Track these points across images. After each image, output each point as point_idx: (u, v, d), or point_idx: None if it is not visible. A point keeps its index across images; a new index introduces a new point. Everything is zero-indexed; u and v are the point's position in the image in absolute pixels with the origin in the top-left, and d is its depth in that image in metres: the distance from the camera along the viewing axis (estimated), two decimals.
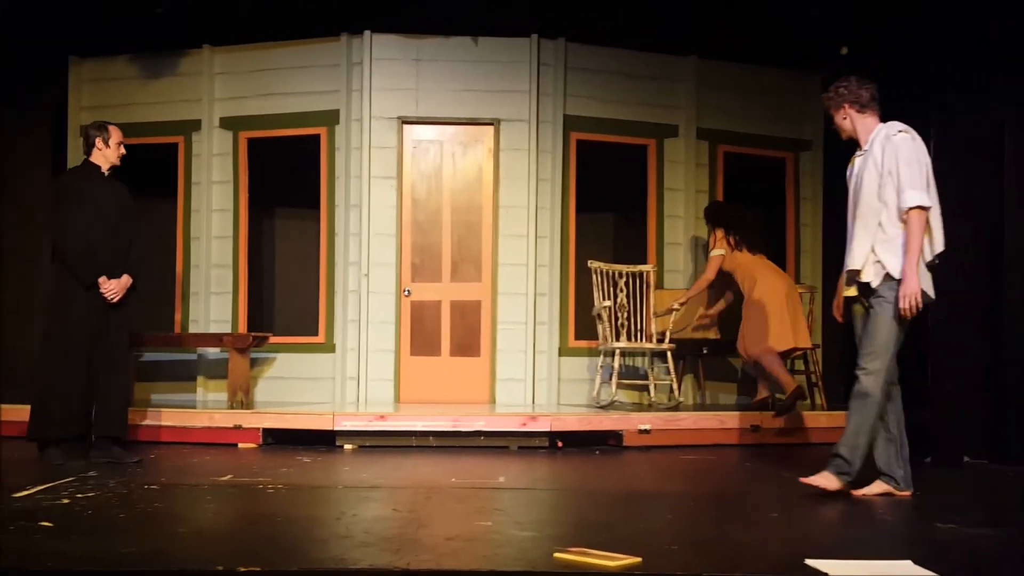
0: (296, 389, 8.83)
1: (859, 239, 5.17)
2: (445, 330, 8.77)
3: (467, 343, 8.79)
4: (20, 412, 7.36)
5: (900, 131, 5.14)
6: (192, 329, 9.08)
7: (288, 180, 9.43)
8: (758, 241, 8.38)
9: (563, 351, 8.84)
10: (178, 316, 9.21)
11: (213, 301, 9.11)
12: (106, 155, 6.35)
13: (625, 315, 8.39)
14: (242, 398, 7.95)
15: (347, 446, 7.25)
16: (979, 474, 6.25)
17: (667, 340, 8.29)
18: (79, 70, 9.37)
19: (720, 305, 8.68)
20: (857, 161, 5.30)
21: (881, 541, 4.19)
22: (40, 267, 8.71)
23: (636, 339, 8.39)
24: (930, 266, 5.15)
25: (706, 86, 9.30)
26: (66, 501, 4.80)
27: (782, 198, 9.63)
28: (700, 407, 8.64)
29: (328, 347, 8.81)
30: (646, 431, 7.38)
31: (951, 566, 3.59)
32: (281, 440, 7.44)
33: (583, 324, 8.85)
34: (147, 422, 7.43)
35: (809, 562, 3.56)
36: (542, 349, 8.75)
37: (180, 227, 9.23)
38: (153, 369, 9.07)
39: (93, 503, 4.77)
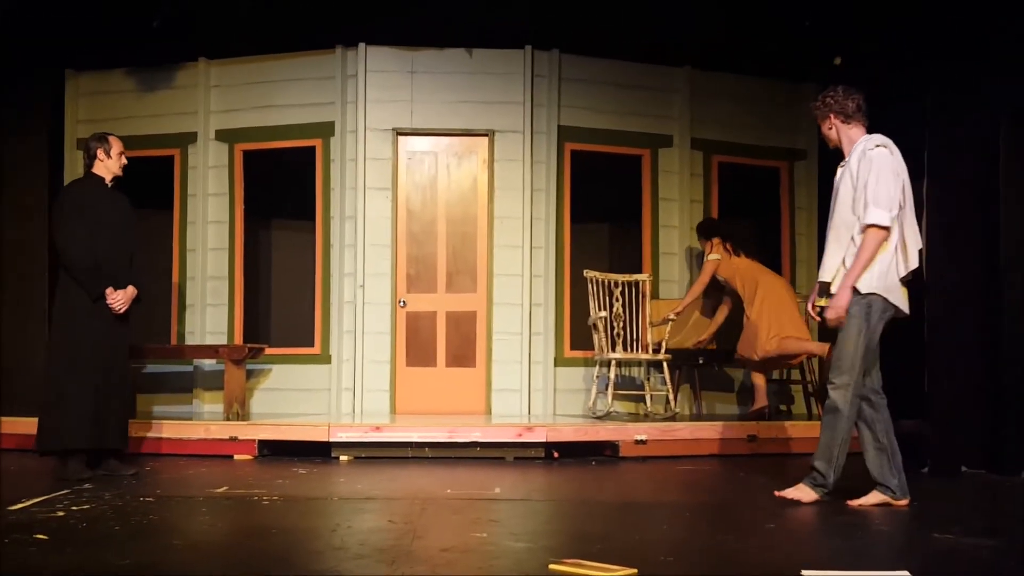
0: (292, 400, 8.82)
1: (831, 251, 5.23)
2: (441, 341, 8.77)
3: (463, 354, 8.79)
4: (15, 424, 7.40)
5: (877, 145, 5.16)
6: (188, 341, 9.08)
7: (284, 192, 9.44)
8: (753, 248, 8.44)
9: (559, 361, 8.85)
10: (174, 328, 9.20)
11: (209, 313, 9.10)
12: (108, 166, 6.36)
13: (621, 325, 8.40)
14: (238, 409, 7.94)
15: (343, 457, 7.25)
16: (977, 484, 6.25)
17: (663, 350, 8.29)
18: (75, 83, 9.37)
19: (719, 318, 8.67)
20: (839, 172, 5.33)
21: (878, 551, 4.19)
22: (37, 283, 8.72)
23: (632, 349, 8.39)
24: (904, 281, 5.17)
25: (700, 96, 9.33)
26: (61, 514, 4.80)
27: (777, 208, 9.64)
28: (696, 417, 8.64)
29: (324, 358, 8.81)
30: (642, 442, 7.38)
31: None
32: (277, 451, 7.43)
33: (579, 334, 8.86)
34: (144, 434, 7.41)
35: (805, 573, 3.56)
36: (538, 359, 8.75)
37: (176, 239, 9.24)
38: (150, 381, 9.06)
39: (88, 515, 4.76)
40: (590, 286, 8.36)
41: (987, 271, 6.63)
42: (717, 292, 8.62)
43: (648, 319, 8.46)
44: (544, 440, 7.26)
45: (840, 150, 5.37)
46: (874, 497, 5.19)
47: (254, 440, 7.38)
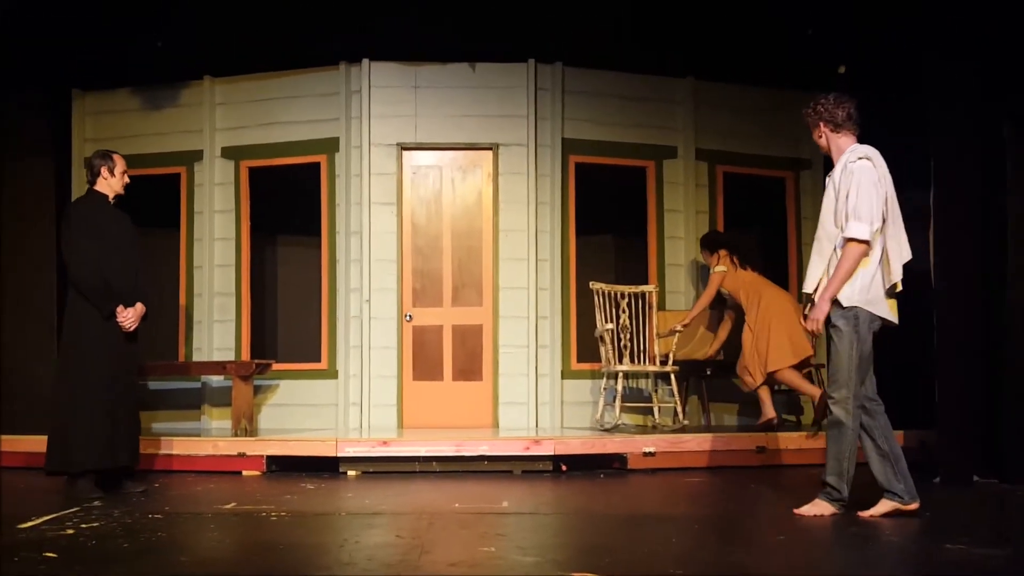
0: (299, 416, 8.82)
1: (814, 263, 5.26)
2: (447, 355, 8.77)
3: (469, 367, 8.78)
4: (24, 443, 7.40)
5: (860, 158, 5.16)
6: (196, 357, 9.09)
7: (289, 208, 9.46)
8: (758, 261, 8.44)
9: (566, 374, 8.83)
10: (182, 344, 9.22)
11: (216, 329, 9.12)
12: (111, 184, 6.37)
13: (628, 337, 8.39)
14: (246, 425, 7.95)
15: (351, 472, 7.24)
16: (988, 494, 6.21)
17: (670, 361, 8.28)
18: (82, 103, 9.42)
19: (724, 331, 8.67)
20: (827, 182, 5.33)
21: (889, 562, 4.17)
22: (46, 302, 8.74)
23: (639, 361, 8.38)
24: (889, 293, 5.17)
25: (704, 107, 9.33)
26: (71, 531, 4.80)
27: (783, 217, 9.63)
28: (705, 429, 8.61)
29: (331, 373, 8.81)
30: (651, 454, 7.36)
31: None
32: (285, 467, 7.43)
33: (585, 346, 8.85)
34: (152, 450, 7.41)
35: None
36: (545, 372, 8.74)
37: (183, 256, 9.26)
38: (158, 397, 9.07)
39: (97, 533, 4.76)
40: (596, 298, 8.36)
41: (996, 280, 6.61)
42: (721, 303, 8.61)
43: (655, 331, 8.45)
44: (552, 453, 7.25)
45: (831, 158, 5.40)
46: (884, 506, 5.17)
47: (262, 456, 7.38)
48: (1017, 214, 6.55)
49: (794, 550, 4.45)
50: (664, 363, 8.31)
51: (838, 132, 5.30)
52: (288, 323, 9.77)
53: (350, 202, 8.80)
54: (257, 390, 8.67)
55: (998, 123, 6.60)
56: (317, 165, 8.98)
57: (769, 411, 8.11)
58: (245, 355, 9.01)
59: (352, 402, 8.68)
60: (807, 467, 7.37)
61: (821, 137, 5.36)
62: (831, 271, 5.15)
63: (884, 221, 5.13)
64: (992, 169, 6.63)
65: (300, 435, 7.80)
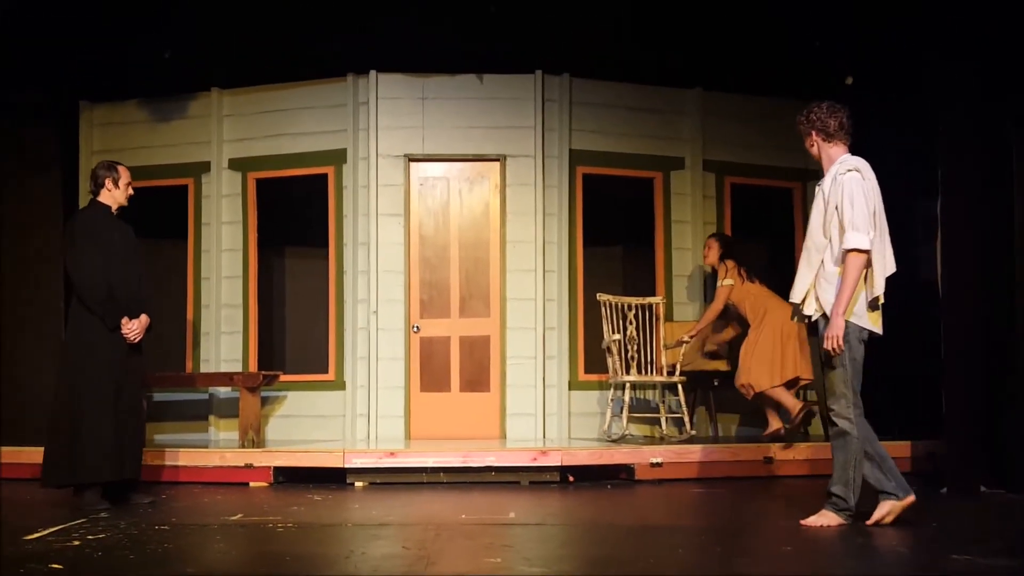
0: (307, 427, 8.83)
1: (802, 273, 5.27)
2: (454, 366, 8.77)
3: (477, 378, 8.78)
4: (32, 454, 7.40)
5: (850, 169, 5.16)
6: (203, 368, 9.10)
7: (297, 219, 9.48)
8: (764, 272, 8.43)
9: (573, 385, 8.82)
10: (189, 356, 9.23)
11: (224, 341, 9.13)
12: (115, 196, 6.37)
13: (635, 348, 8.38)
14: (253, 437, 7.95)
15: (358, 483, 7.24)
16: (995, 504, 6.19)
17: (678, 372, 8.27)
18: (89, 115, 9.46)
19: (728, 334, 8.66)
20: (816, 192, 5.33)
21: (895, 573, 4.15)
22: (53, 314, 8.77)
23: (647, 372, 8.37)
24: (872, 306, 5.16)
25: (711, 118, 9.34)
26: (77, 543, 4.80)
27: (791, 228, 9.61)
28: (712, 439, 8.60)
29: (338, 384, 8.82)
30: (658, 464, 7.35)
31: None
32: (292, 478, 7.43)
33: (593, 357, 8.84)
34: (159, 462, 7.43)
35: None
36: (552, 383, 8.74)
37: (191, 268, 9.28)
38: (165, 409, 9.09)
39: (104, 544, 4.76)
40: (603, 309, 8.35)
41: (1004, 289, 6.59)
42: (726, 313, 8.54)
43: (662, 341, 8.44)
44: (559, 464, 7.24)
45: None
46: (883, 508, 5.17)
47: (269, 467, 7.38)
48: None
49: (801, 561, 4.43)
50: (671, 374, 8.30)
51: (830, 142, 5.31)
52: (295, 334, 9.78)
53: (357, 213, 8.82)
54: (264, 401, 8.68)
55: (1007, 132, 6.58)
56: (324, 177, 9.00)
57: (776, 422, 8.09)
58: (252, 366, 9.02)
59: (359, 413, 8.68)
60: (814, 478, 7.34)
61: (813, 146, 5.37)
62: (820, 283, 5.16)
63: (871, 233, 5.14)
64: (1001, 179, 6.61)
65: (307, 446, 7.81)
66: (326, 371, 8.91)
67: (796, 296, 5.27)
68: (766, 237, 9.72)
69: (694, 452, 7.54)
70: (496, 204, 8.86)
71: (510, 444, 8.02)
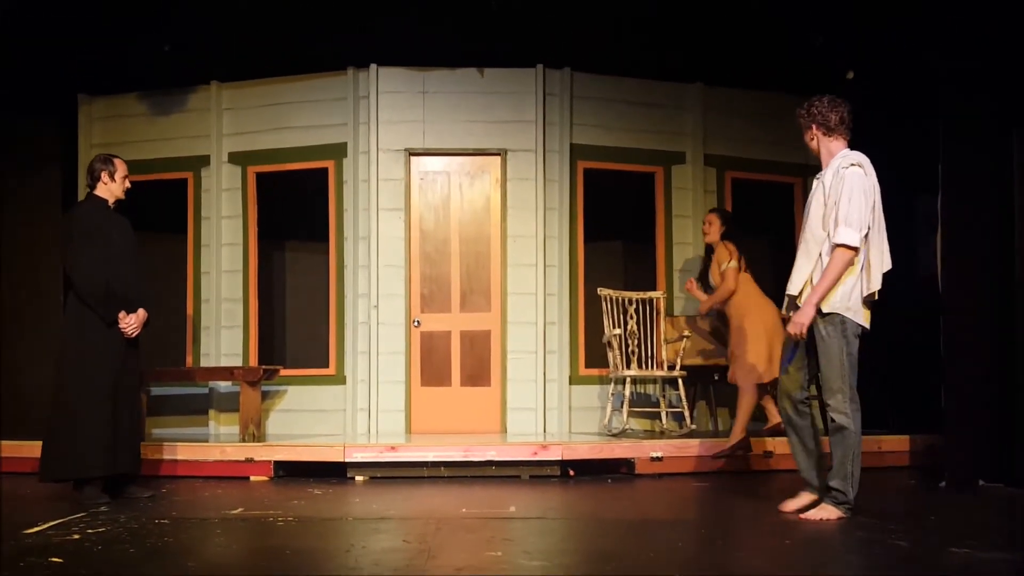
0: (307, 421, 8.83)
1: (800, 266, 5.25)
2: (455, 360, 8.78)
3: (477, 373, 8.79)
4: (33, 448, 7.41)
5: (852, 164, 5.17)
6: (204, 363, 9.11)
7: (297, 214, 9.48)
8: (766, 267, 8.40)
9: (574, 379, 8.83)
10: (190, 350, 9.24)
11: (224, 335, 9.14)
12: (111, 189, 6.33)
13: (636, 342, 8.38)
14: (254, 431, 7.96)
15: (358, 478, 7.24)
16: (994, 498, 6.19)
17: (678, 367, 8.27)
18: (89, 108, 9.46)
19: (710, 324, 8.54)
20: (814, 185, 5.33)
21: (894, 566, 4.15)
22: (53, 308, 8.78)
23: (647, 366, 8.37)
24: (867, 302, 5.18)
25: (712, 112, 9.33)
26: (77, 537, 4.80)
27: (791, 223, 9.61)
28: (713, 434, 8.60)
29: (339, 379, 8.82)
30: (658, 459, 7.35)
31: None
32: (293, 472, 7.44)
33: (593, 352, 8.84)
34: (160, 456, 7.44)
35: None
36: (552, 378, 8.74)
37: (190, 262, 9.28)
38: (166, 403, 9.09)
39: (104, 538, 4.77)
40: (604, 304, 8.35)
41: (1003, 285, 6.58)
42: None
43: (663, 336, 8.44)
44: (559, 458, 7.25)
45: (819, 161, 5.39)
46: (804, 499, 5.37)
47: (270, 461, 7.39)
48: None
49: (800, 554, 4.43)
50: (672, 368, 8.30)
51: (830, 136, 5.31)
52: (296, 329, 9.79)
53: (358, 208, 8.82)
54: (265, 396, 8.68)
55: (1007, 127, 6.58)
56: (325, 171, 9.00)
57: (776, 416, 8.05)
58: (253, 361, 9.03)
59: (360, 407, 8.69)
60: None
61: (813, 140, 5.37)
62: (816, 276, 5.18)
63: (869, 229, 5.14)
64: (1001, 174, 6.60)
65: (308, 440, 7.82)
66: (327, 365, 8.92)
67: (794, 288, 5.26)
68: (767, 232, 9.71)
69: (694, 446, 7.55)
70: (497, 199, 8.86)
71: (511, 438, 8.02)
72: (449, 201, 8.88)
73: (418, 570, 3.98)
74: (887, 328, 8.71)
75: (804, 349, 5.33)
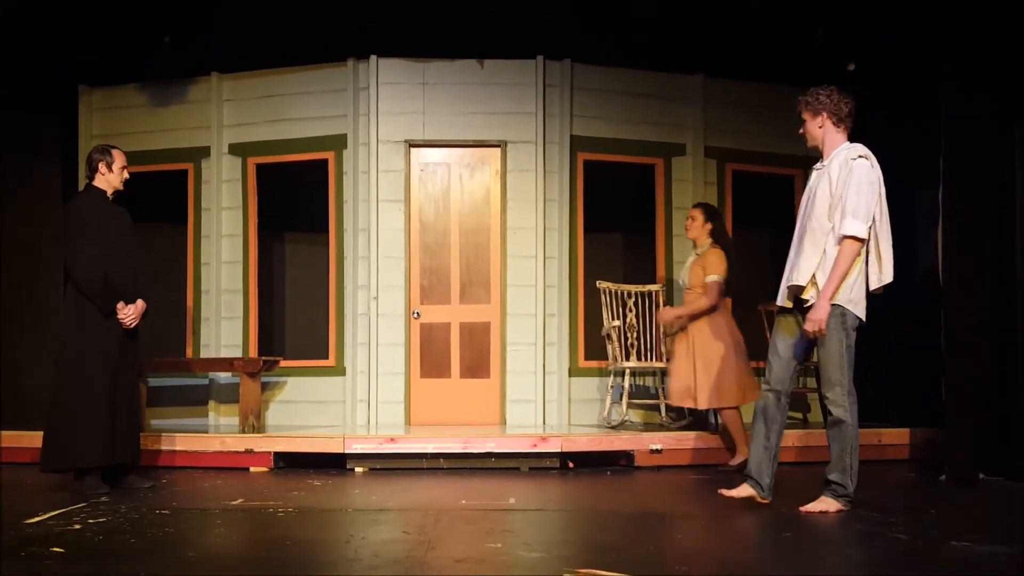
0: (307, 412, 8.84)
1: (807, 255, 5.17)
2: (455, 352, 8.78)
3: (477, 365, 8.79)
4: (34, 439, 7.42)
5: (860, 156, 5.15)
6: (203, 354, 9.11)
7: (297, 205, 9.47)
8: (767, 259, 8.38)
9: (573, 371, 8.83)
10: (190, 341, 9.24)
11: (224, 326, 9.13)
12: (109, 180, 6.31)
13: (635, 335, 8.38)
14: (253, 422, 7.96)
15: (358, 469, 7.25)
16: (994, 491, 6.20)
17: None
18: (89, 99, 9.44)
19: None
20: (814, 174, 5.31)
21: (894, 560, 4.16)
22: (48, 300, 8.78)
23: (646, 358, 8.37)
24: (874, 294, 5.19)
25: (713, 104, 9.31)
26: (78, 527, 4.81)
27: (791, 216, 9.55)
28: (712, 427, 8.59)
29: (338, 370, 8.82)
30: (657, 451, 7.36)
31: None
32: (292, 463, 7.45)
33: (593, 344, 8.84)
34: (160, 447, 7.44)
35: None
36: (552, 370, 8.74)
37: (190, 253, 9.27)
38: (166, 394, 9.10)
39: (104, 528, 4.78)
40: (603, 296, 8.35)
41: (1004, 279, 6.58)
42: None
43: (662, 328, 8.43)
44: (559, 450, 7.25)
45: (818, 150, 5.36)
46: (744, 490, 5.36)
47: (269, 452, 7.40)
48: None
49: (800, 547, 4.44)
50: (671, 360, 8.28)
51: (838, 127, 5.29)
52: (296, 320, 9.79)
53: (358, 199, 8.81)
54: (264, 387, 8.69)
55: (1010, 121, 6.57)
56: (325, 162, 8.99)
57: (744, 451, 7.05)
58: (252, 352, 9.03)
59: (359, 399, 8.69)
60: (813, 465, 7.35)
61: (820, 128, 5.29)
62: (818, 270, 5.13)
63: (875, 222, 5.13)
64: (1003, 168, 6.60)
65: (307, 432, 7.82)
66: (326, 357, 8.91)
67: (802, 277, 5.17)
68: (768, 224, 9.70)
69: (693, 439, 7.55)
70: (497, 190, 8.85)
71: (510, 430, 8.03)
72: (449, 192, 8.87)
73: (417, 561, 3.99)
74: (888, 322, 8.74)
75: (804, 345, 5.31)
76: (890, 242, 5.20)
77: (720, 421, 7.46)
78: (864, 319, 5.22)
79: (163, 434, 7.60)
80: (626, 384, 8.17)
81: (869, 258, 5.17)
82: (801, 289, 5.19)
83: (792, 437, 7.66)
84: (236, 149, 9.18)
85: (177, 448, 7.49)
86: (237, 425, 8.16)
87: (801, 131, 5.41)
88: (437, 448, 7.26)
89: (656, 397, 8.63)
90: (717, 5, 8.36)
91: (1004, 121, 6.57)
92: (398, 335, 8.69)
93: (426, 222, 8.85)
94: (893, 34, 8.04)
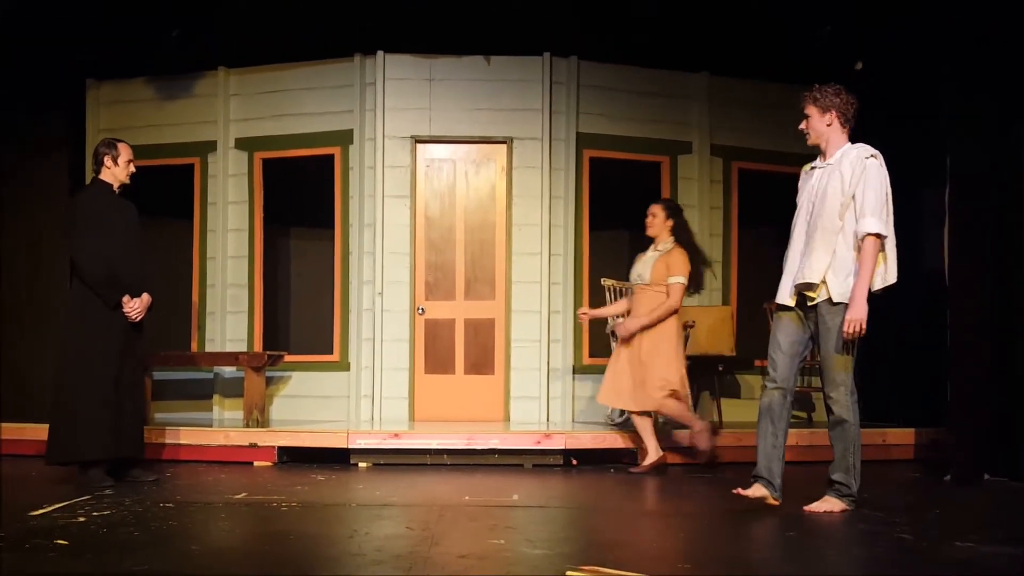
0: (311, 407, 8.85)
1: (819, 254, 5.12)
2: (459, 348, 8.78)
3: (481, 361, 8.79)
4: (37, 431, 7.44)
5: (872, 155, 5.13)
6: (208, 348, 9.12)
7: (303, 200, 9.48)
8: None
9: (577, 369, 8.83)
10: (195, 335, 9.25)
11: (229, 320, 9.14)
12: (115, 173, 6.30)
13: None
14: (257, 416, 7.97)
15: (362, 464, 7.26)
16: (999, 492, 6.19)
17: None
18: (96, 93, 9.45)
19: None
20: (817, 172, 5.27)
21: (898, 560, 4.15)
22: (55, 294, 8.79)
23: None
24: (877, 294, 5.15)
25: (719, 102, 9.30)
26: (82, 519, 4.82)
27: None
28: (716, 425, 8.59)
29: (343, 365, 8.83)
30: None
31: None
32: (296, 458, 7.45)
33: (597, 342, 8.84)
34: (164, 440, 7.45)
35: None
36: (556, 367, 8.75)
37: (196, 247, 9.29)
38: (170, 388, 9.11)
39: (108, 521, 4.78)
40: (608, 294, 8.34)
41: (1010, 278, 6.57)
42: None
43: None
44: (563, 447, 7.25)
45: (818, 147, 5.30)
46: (758, 491, 5.21)
47: (273, 447, 7.41)
48: None
49: (803, 547, 4.44)
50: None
51: (844, 127, 5.26)
52: (301, 315, 9.81)
53: (363, 195, 8.81)
54: (269, 381, 8.70)
55: (1011, 120, 6.56)
56: (331, 157, 8.99)
57: (655, 452, 7.15)
58: (257, 346, 9.04)
59: (364, 394, 8.70)
60: (817, 464, 7.34)
61: (829, 125, 5.25)
62: (834, 266, 5.09)
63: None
64: (1009, 167, 6.58)
65: (311, 426, 7.83)
66: (331, 352, 8.93)
67: (815, 275, 5.10)
68: (775, 222, 9.67)
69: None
70: (502, 187, 8.85)
71: (514, 427, 8.03)
72: (455, 189, 8.87)
73: (421, 556, 3.99)
74: (893, 322, 8.72)
75: (805, 344, 5.29)
76: (894, 243, 5.18)
77: (637, 419, 7.12)
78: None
79: (167, 428, 7.62)
80: None
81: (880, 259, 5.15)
82: (813, 287, 5.15)
83: (795, 436, 7.65)
84: (242, 144, 9.19)
85: (181, 442, 7.50)
86: (241, 419, 8.17)
87: (802, 127, 5.33)
88: (441, 444, 7.26)
89: None
90: (722, 3, 8.35)
91: (1005, 120, 6.56)
92: (403, 331, 8.70)
93: (431, 218, 8.85)
94: (896, 33, 8.02)
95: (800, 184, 5.43)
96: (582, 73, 8.95)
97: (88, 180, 9.01)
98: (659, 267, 7.04)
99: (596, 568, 3.66)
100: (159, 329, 7.46)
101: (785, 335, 5.29)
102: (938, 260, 7.52)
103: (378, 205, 8.73)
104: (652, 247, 7.23)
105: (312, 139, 9.02)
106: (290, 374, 8.96)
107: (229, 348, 9.02)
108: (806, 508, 5.20)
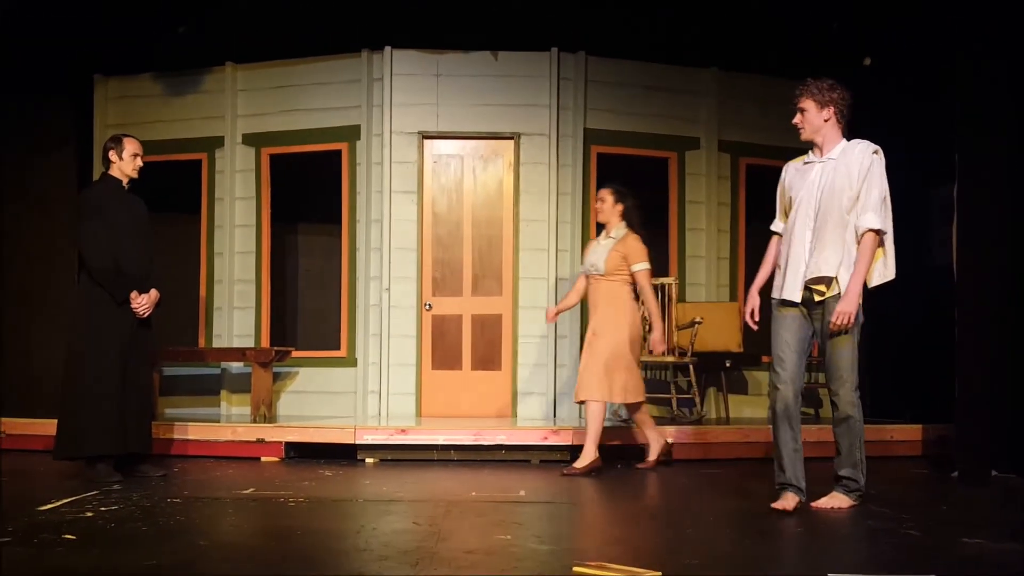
0: (318, 403, 8.86)
1: (832, 249, 5.09)
2: (466, 344, 8.78)
3: (488, 357, 8.79)
4: (46, 426, 7.46)
5: (876, 151, 5.12)
6: (216, 344, 9.13)
7: (310, 196, 9.48)
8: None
9: None
10: (202, 331, 9.26)
11: (236, 316, 9.16)
12: (121, 168, 6.30)
13: (647, 328, 8.35)
14: (265, 412, 7.98)
15: (369, 460, 7.27)
16: (1006, 488, 6.17)
17: (690, 353, 8.25)
18: (104, 88, 9.46)
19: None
20: (817, 167, 5.23)
21: (906, 556, 4.14)
22: (62, 289, 8.81)
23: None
24: (874, 290, 5.14)
25: (727, 98, 9.29)
26: (90, 514, 4.83)
27: None
28: (723, 421, 8.59)
29: (350, 361, 8.84)
30: (669, 445, 7.33)
31: None
32: (303, 454, 7.46)
33: None
34: (171, 436, 7.46)
35: None
36: (563, 363, 8.74)
37: (204, 243, 9.30)
38: (178, 383, 9.13)
39: (116, 516, 4.80)
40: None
41: (1017, 275, 6.56)
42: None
43: (674, 322, 8.42)
44: (570, 443, 7.25)
45: (812, 142, 5.24)
46: (791, 500, 5.12)
47: (281, 442, 7.41)
48: None
49: (811, 542, 4.43)
50: (683, 354, 8.28)
51: (840, 123, 5.24)
52: (308, 311, 9.81)
53: (371, 190, 8.82)
54: (276, 377, 8.71)
55: (1021, 116, 6.53)
56: (338, 153, 8.99)
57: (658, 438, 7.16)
58: (265, 342, 9.05)
59: (371, 390, 8.71)
60: (825, 460, 7.32)
61: (827, 120, 5.20)
62: (845, 261, 5.09)
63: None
64: (1018, 164, 6.56)
65: (318, 422, 7.84)
66: (338, 348, 8.93)
67: (831, 269, 5.08)
68: None
69: (705, 433, 7.54)
70: (510, 182, 8.84)
71: (521, 423, 8.03)
72: (462, 185, 8.87)
73: (428, 552, 3.99)
74: (900, 318, 8.70)
75: (809, 341, 5.28)
76: (892, 239, 5.17)
77: (591, 413, 6.84)
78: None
79: (175, 423, 7.63)
80: None
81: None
82: (828, 281, 5.11)
83: (804, 433, 7.63)
84: (250, 139, 9.20)
85: (189, 437, 7.51)
86: (249, 415, 8.19)
87: (796, 121, 5.26)
88: (448, 440, 7.27)
89: (668, 391, 8.62)
90: None
91: (1014, 117, 6.53)
92: (410, 327, 8.70)
93: (439, 214, 8.85)
94: (908, 26, 7.99)
95: (789, 179, 5.37)
96: (590, 69, 8.94)
97: (95, 175, 9.07)
98: (614, 257, 6.87)
99: (603, 564, 3.66)
100: (167, 324, 7.46)
101: (792, 332, 5.26)
102: (946, 257, 7.50)
103: (385, 201, 8.73)
104: (603, 234, 7.06)
105: (319, 135, 9.02)
106: (297, 370, 8.97)
107: (236, 343, 9.03)
108: (813, 504, 5.20)
